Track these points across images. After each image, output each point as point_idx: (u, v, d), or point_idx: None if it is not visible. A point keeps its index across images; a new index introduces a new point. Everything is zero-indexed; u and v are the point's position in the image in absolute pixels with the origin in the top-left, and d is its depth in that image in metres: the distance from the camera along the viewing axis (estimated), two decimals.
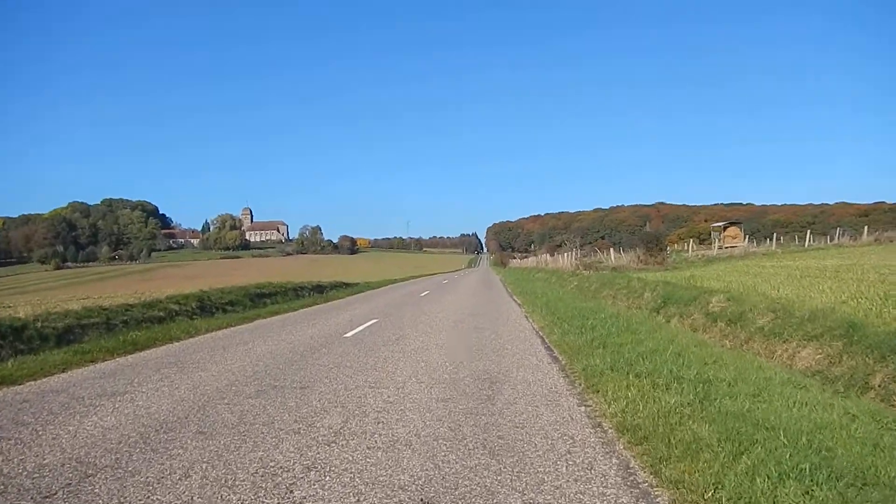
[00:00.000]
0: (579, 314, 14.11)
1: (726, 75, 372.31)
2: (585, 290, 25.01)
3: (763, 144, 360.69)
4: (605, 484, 4.02)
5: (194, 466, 4.39)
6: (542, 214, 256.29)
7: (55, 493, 3.95)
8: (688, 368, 7.16)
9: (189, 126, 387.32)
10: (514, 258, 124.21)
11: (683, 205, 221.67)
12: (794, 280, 17.44)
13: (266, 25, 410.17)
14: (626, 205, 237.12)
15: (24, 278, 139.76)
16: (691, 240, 63.59)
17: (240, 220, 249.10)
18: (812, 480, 3.79)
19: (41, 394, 7.14)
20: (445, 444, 4.81)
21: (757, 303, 12.51)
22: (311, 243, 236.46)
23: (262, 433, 5.19)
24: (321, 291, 31.24)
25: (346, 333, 12.34)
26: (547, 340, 10.77)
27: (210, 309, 19.82)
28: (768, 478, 3.83)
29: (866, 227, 47.64)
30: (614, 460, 4.47)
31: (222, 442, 4.96)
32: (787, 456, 4.22)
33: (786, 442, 4.53)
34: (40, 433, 5.35)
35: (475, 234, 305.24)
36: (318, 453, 4.64)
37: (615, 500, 3.76)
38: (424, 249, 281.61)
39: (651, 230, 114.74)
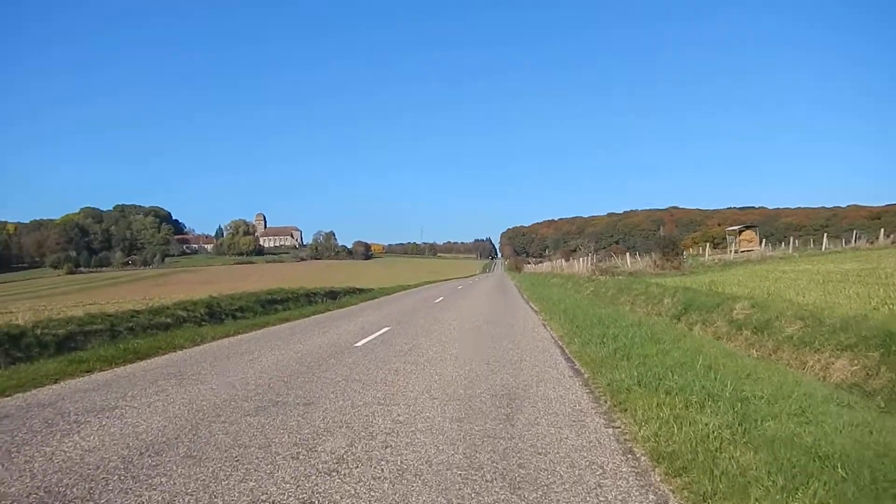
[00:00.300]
0: (599, 322, 13.52)
1: (737, 77, 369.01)
2: (602, 296, 24.40)
3: (775, 147, 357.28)
4: None
5: (176, 500, 3.88)
6: (556, 219, 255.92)
7: None
8: (722, 384, 6.57)
9: (203, 131, 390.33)
10: (529, 263, 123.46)
11: (696, 209, 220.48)
12: (817, 285, 16.76)
13: (273, 27, 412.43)
14: (639, 209, 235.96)
15: (36, 283, 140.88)
16: (707, 244, 62.59)
17: (253, 225, 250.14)
18: None
19: (26, 408, 6.69)
20: (460, 475, 4.27)
21: (783, 310, 11.89)
22: (325, 249, 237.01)
23: (257, 459, 4.67)
24: (334, 297, 30.83)
25: (356, 343, 11.83)
26: (567, 351, 10.20)
27: (219, 315, 19.43)
28: None
29: (882, 230, 46.55)
30: (651, 496, 3.91)
31: (211, 469, 4.45)
32: (851, 494, 3.66)
33: (845, 475, 3.97)
34: (13, 455, 4.87)
35: (489, 240, 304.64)
36: (317, 484, 4.12)
37: None
38: (439, 255, 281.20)
39: (665, 234, 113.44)
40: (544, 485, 4.07)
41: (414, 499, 3.85)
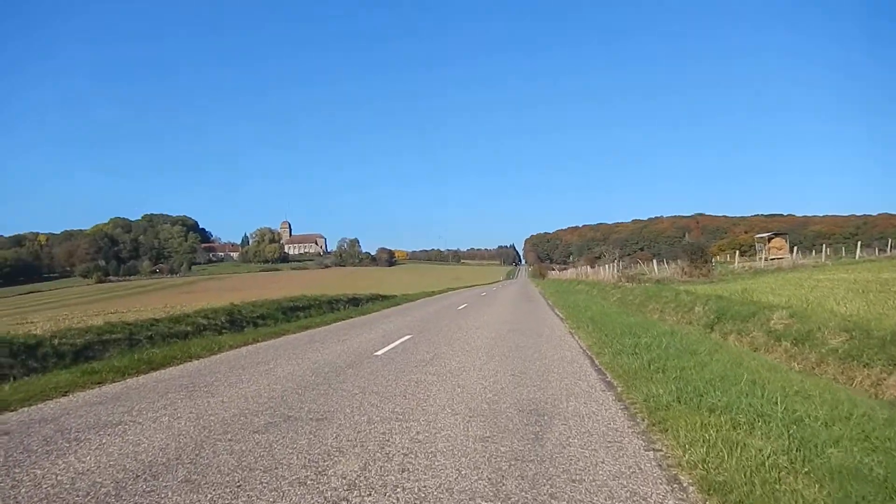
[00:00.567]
0: (629, 331, 12.94)
1: (765, 84, 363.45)
2: (629, 304, 23.75)
3: (803, 154, 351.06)
4: None
5: None
6: (580, 226, 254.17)
7: None
8: (770, 402, 6.01)
9: (230, 141, 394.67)
10: (553, 270, 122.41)
11: (723, 216, 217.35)
12: (857, 295, 16.01)
13: (301, 38, 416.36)
14: (664, 216, 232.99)
15: (66, 292, 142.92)
16: (737, 252, 61.28)
17: (279, 233, 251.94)
18: None
19: (27, 424, 6.35)
20: None
21: (825, 320, 11.25)
22: (350, 256, 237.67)
23: (261, 484, 4.25)
24: (357, 304, 30.50)
25: (376, 352, 11.40)
26: (597, 362, 9.65)
27: (240, 323, 19.15)
28: None
29: None
30: None
31: (209, 496, 4.03)
32: None
33: None
34: (1, 480, 4.50)
35: (513, 246, 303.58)
36: None
37: None
38: (462, 261, 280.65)
39: (693, 241, 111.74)
40: None
41: None
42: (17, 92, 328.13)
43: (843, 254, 50.69)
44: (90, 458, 4.97)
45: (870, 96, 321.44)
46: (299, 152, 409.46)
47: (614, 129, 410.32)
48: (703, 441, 4.87)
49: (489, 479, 4.28)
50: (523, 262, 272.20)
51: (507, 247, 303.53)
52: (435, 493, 4.02)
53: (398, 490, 4.09)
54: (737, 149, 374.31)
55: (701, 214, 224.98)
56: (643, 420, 5.86)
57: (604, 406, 6.50)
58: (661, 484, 4.18)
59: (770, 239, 55.24)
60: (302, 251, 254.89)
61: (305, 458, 4.81)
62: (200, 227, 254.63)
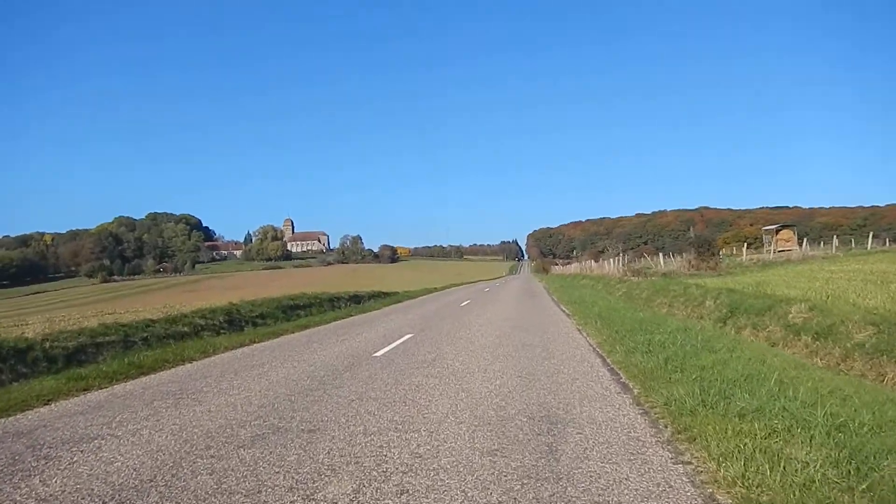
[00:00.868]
0: (640, 327, 12.42)
1: (767, 81, 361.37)
2: (636, 298, 23.20)
3: (807, 146, 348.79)
4: None
5: None
6: (584, 220, 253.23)
7: None
8: (806, 405, 5.49)
9: (231, 139, 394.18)
10: (556, 265, 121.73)
11: (728, 209, 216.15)
12: (876, 286, 15.48)
13: (302, 38, 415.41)
14: (668, 209, 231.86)
15: (70, 292, 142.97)
16: (745, 245, 60.62)
17: (281, 231, 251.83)
18: None
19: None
20: None
21: (848, 314, 10.72)
22: (352, 253, 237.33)
23: None
24: (358, 302, 30.02)
25: (375, 352, 10.89)
26: (609, 361, 9.12)
27: (239, 323, 18.69)
28: None
29: None
30: None
31: None
32: None
33: None
34: None
35: (515, 241, 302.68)
36: None
37: None
38: (465, 257, 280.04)
39: (699, 234, 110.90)
40: None
41: None
42: (22, 93, 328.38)
43: (853, 245, 49.97)
44: (56, 481, 4.48)
45: (874, 88, 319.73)
46: (301, 151, 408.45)
47: (615, 125, 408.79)
48: (739, 452, 4.36)
49: (500, 502, 3.77)
50: (526, 257, 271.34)
51: (509, 242, 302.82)
52: None
53: None
54: (740, 142, 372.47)
55: (705, 207, 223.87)
56: (666, 427, 5.34)
57: (621, 411, 5.97)
58: None
59: (778, 231, 54.64)
60: (305, 249, 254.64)
61: (293, 478, 4.30)
62: (204, 225, 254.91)
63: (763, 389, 6.14)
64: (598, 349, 10.42)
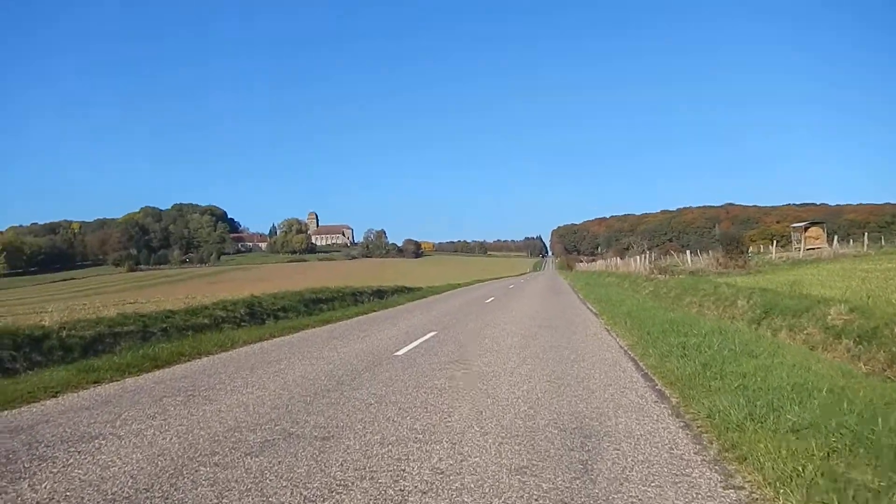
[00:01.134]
0: (672, 328, 11.84)
1: (794, 75, 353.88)
2: (664, 297, 22.51)
3: (834, 143, 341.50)
4: None
5: None
6: (608, 217, 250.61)
7: None
8: (865, 420, 4.94)
9: (258, 132, 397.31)
10: (581, 261, 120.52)
11: (754, 206, 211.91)
12: None
13: (327, 29, 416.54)
14: (693, 206, 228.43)
15: (97, 280, 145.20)
16: (773, 242, 59.20)
17: (306, 224, 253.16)
18: None
19: None
20: None
21: (892, 316, 10.04)
22: (376, 247, 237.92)
23: None
24: (381, 296, 29.72)
25: (397, 351, 10.49)
26: (642, 365, 8.60)
27: (260, 316, 18.46)
28: None
29: None
30: None
31: None
32: None
33: None
34: None
35: (539, 238, 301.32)
36: None
37: None
38: (489, 253, 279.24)
39: (726, 231, 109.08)
40: None
41: None
42: (53, 83, 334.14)
43: (882, 243, 48.42)
44: (46, 486, 4.14)
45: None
46: (327, 144, 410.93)
47: (640, 121, 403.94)
48: (798, 476, 3.86)
49: None
50: (550, 253, 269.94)
51: (533, 238, 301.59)
52: None
53: None
54: (765, 138, 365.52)
55: (731, 204, 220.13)
56: (712, 444, 4.84)
57: (660, 423, 5.48)
58: None
59: (806, 228, 53.15)
60: (329, 242, 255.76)
61: (301, 494, 3.89)
62: (229, 217, 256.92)
63: (814, 402, 5.59)
64: (629, 352, 9.90)
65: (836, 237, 49.33)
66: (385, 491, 3.92)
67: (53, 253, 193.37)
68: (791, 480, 3.83)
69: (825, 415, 5.15)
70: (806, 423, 4.96)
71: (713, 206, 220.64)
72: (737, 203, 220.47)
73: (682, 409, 5.97)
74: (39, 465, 4.63)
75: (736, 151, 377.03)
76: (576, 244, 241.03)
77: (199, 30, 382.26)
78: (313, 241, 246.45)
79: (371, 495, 3.85)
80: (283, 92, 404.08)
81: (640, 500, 3.75)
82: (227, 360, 10.19)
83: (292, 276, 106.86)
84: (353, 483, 4.07)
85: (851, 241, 50.32)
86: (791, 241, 56.81)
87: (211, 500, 3.82)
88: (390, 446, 4.88)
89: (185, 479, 4.20)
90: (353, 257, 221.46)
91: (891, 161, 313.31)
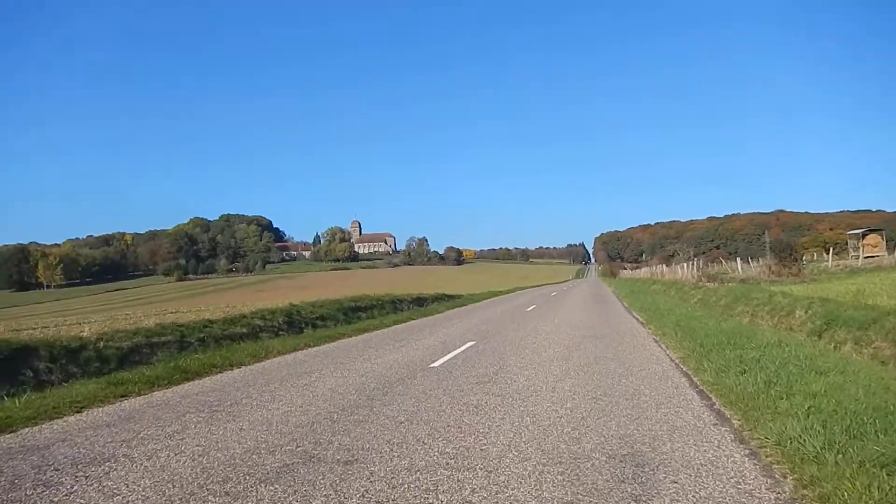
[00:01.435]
0: (726, 339, 11.08)
1: (849, 79, 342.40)
2: (714, 306, 21.55)
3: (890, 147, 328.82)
4: None
5: None
6: (652, 224, 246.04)
7: None
8: None
9: (302, 142, 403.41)
10: (625, 268, 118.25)
11: (805, 212, 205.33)
12: None
13: (373, 34, 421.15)
14: (741, 213, 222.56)
15: (147, 290, 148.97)
16: (828, 250, 56.93)
17: (349, 232, 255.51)
18: None
19: (10, 454, 5.33)
20: None
21: None
22: (418, 255, 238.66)
23: None
24: (421, 304, 29.37)
25: (433, 362, 10.02)
26: (696, 380, 7.92)
27: (299, 325, 18.26)
28: None
29: None
30: None
31: None
32: None
33: None
34: None
35: (582, 245, 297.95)
36: None
37: None
38: (530, 260, 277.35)
39: (778, 238, 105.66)
40: None
41: None
42: (102, 95, 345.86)
43: None
44: None
45: None
46: (370, 151, 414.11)
47: (687, 125, 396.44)
48: None
49: None
50: (593, 260, 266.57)
51: (576, 245, 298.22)
52: None
53: None
54: (820, 142, 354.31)
55: (781, 211, 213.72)
56: (785, 478, 4.21)
57: (722, 450, 4.87)
58: None
59: (864, 235, 50.89)
60: (371, 250, 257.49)
61: None
62: (274, 226, 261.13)
63: None
64: (681, 365, 9.22)
65: None
66: None
67: (107, 264, 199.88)
68: None
69: None
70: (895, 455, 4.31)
71: (762, 213, 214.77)
72: (787, 209, 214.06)
73: (745, 433, 5.33)
74: (43, 492, 4.30)
75: (787, 157, 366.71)
76: (619, 251, 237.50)
77: (249, 36, 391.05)
78: (356, 249, 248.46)
79: None
80: (328, 102, 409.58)
81: None
82: (258, 371, 9.89)
83: (334, 283, 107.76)
84: None
85: None
86: (847, 249, 54.56)
87: None
88: (419, 473, 4.40)
89: None
90: (395, 265, 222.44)
91: None
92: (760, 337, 11.49)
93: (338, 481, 4.28)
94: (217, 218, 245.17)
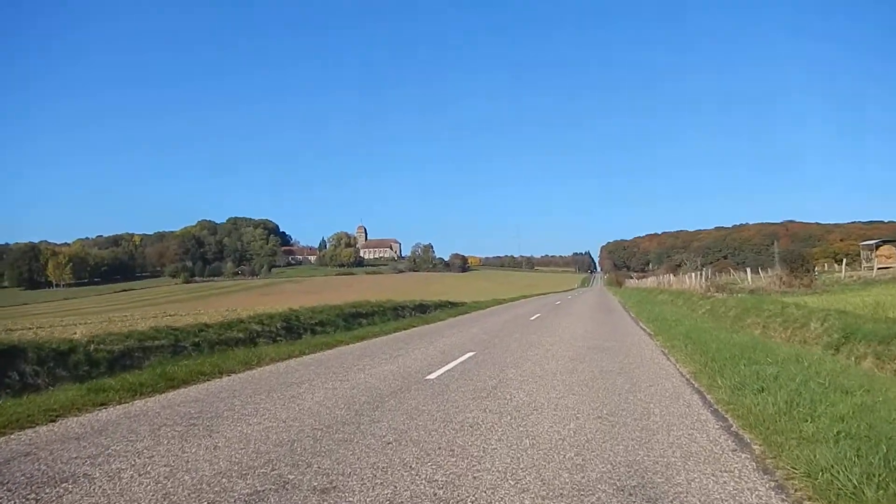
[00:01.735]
0: (740, 353, 10.54)
1: (861, 85, 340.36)
2: (723, 317, 20.94)
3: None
4: None
5: None
6: (660, 233, 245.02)
7: None
8: None
9: (309, 146, 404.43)
10: (631, 278, 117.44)
11: (815, 223, 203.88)
12: None
13: (384, 39, 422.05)
14: (750, 223, 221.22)
15: (153, 291, 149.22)
16: (841, 261, 56.16)
17: (354, 238, 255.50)
18: None
19: None
20: None
21: None
22: (423, 261, 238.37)
23: None
24: (424, 311, 28.91)
25: (429, 374, 9.52)
26: (710, 398, 7.40)
27: (297, 330, 17.84)
28: None
29: None
30: None
31: None
32: None
33: None
34: None
35: (588, 253, 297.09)
36: None
37: None
38: (536, 268, 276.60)
39: (790, 249, 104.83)
40: None
41: None
42: (113, 98, 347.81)
43: None
44: None
45: None
46: (376, 157, 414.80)
47: (695, 133, 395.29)
48: None
49: None
50: (599, 269, 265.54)
51: (582, 254, 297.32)
52: None
53: None
54: (827, 153, 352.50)
55: (791, 221, 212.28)
56: None
57: (744, 482, 4.35)
58: None
59: (878, 246, 50.18)
60: (377, 256, 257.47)
61: None
62: (281, 230, 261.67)
63: None
64: (692, 381, 8.69)
65: None
66: None
67: (115, 264, 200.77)
68: None
69: None
70: None
71: (771, 223, 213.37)
72: (797, 220, 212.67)
73: (769, 461, 4.82)
74: None
75: (795, 168, 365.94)
76: (625, 260, 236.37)
77: (257, 40, 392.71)
78: (361, 254, 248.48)
79: None
80: (335, 105, 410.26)
81: None
82: (247, 380, 9.43)
83: (340, 288, 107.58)
84: None
85: None
86: (859, 260, 53.83)
87: None
88: None
89: None
90: (400, 271, 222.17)
91: None
92: (776, 351, 10.97)
93: None
94: (224, 221, 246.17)
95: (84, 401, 7.66)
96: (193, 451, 5.30)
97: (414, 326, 20.82)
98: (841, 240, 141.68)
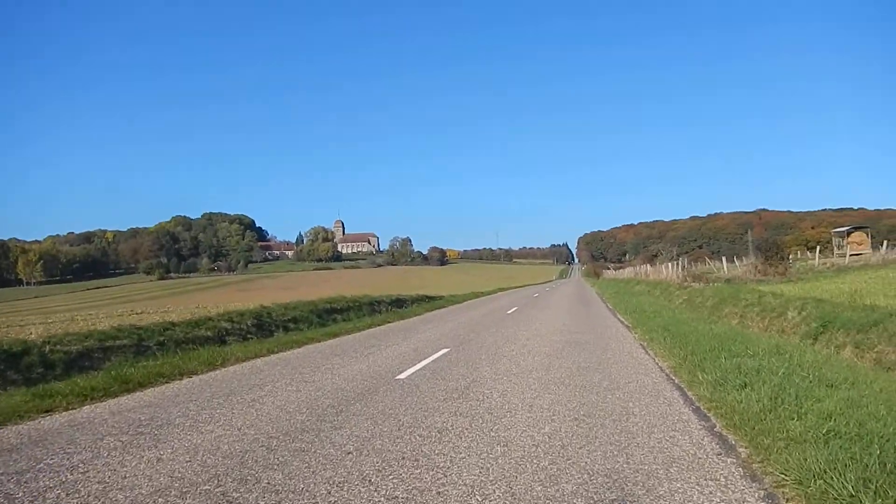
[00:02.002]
0: (719, 345, 10.26)
1: (822, 79, 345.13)
2: (700, 307, 20.82)
3: (872, 144, 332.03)
4: None
5: None
6: (636, 223, 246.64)
7: None
8: None
9: (285, 140, 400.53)
10: (608, 269, 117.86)
11: (787, 211, 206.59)
12: None
13: (359, 33, 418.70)
14: (724, 212, 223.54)
15: (128, 288, 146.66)
16: (813, 249, 56.76)
17: (332, 232, 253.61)
18: None
19: None
20: None
21: None
22: (402, 255, 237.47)
23: None
24: (400, 306, 28.46)
25: (400, 373, 9.10)
26: (691, 395, 7.08)
27: (269, 328, 17.34)
28: None
29: None
30: None
31: None
32: None
33: None
34: None
35: (566, 245, 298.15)
36: None
37: None
38: (514, 260, 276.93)
39: (759, 237, 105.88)
40: None
41: None
42: (86, 92, 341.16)
43: None
44: None
45: None
46: (353, 151, 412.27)
47: (669, 124, 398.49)
48: None
49: None
50: (576, 261, 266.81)
51: (559, 245, 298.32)
52: None
53: None
54: (798, 142, 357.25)
55: (763, 210, 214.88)
56: None
57: (732, 492, 3.99)
58: None
59: (849, 233, 50.76)
60: (355, 250, 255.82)
61: None
62: (257, 225, 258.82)
63: None
64: (672, 377, 8.37)
65: (885, 242, 46.80)
66: None
67: (88, 261, 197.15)
68: None
69: None
70: None
71: (745, 212, 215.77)
72: (770, 209, 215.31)
73: (756, 466, 4.47)
74: None
75: (768, 156, 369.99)
76: (602, 251, 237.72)
77: (231, 35, 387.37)
78: (339, 249, 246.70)
79: None
80: (310, 100, 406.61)
81: None
82: (207, 382, 8.95)
83: (317, 283, 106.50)
84: None
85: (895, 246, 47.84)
86: (831, 247, 54.40)
87: None
88: None
89: None
90: (379, 265, 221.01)
91: None
92: (756, 342, 10.71)
93: None
94: (199, 216, 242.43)
95: (28, 407, 7.16)
96: (134, 464, 4.84)
97: (389, 322, 20.39)
98: (812, 227, 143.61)
